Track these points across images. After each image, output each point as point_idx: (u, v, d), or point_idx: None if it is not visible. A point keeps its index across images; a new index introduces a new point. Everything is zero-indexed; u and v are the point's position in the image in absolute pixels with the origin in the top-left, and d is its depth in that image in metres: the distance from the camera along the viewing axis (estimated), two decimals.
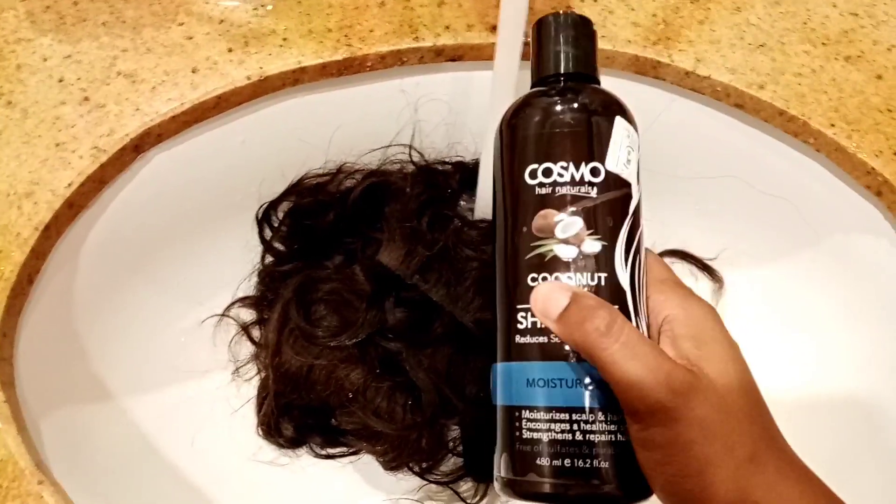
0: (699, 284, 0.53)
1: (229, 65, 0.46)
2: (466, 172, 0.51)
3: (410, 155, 0.51)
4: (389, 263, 0.46)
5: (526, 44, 0.46)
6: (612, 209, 0.30)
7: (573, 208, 0.30)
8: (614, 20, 0.48)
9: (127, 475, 0.44)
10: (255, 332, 0.50)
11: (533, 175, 0.31)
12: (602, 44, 0.47)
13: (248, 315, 0.51)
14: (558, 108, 0.32)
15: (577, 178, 0.30)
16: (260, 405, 0.48)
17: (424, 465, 0.46)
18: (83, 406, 0.44)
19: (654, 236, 0.53)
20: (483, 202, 0.49)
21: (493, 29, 0.47)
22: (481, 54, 0.47)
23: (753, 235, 0.52)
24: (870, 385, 0.48)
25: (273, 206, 0.50)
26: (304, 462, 0.48)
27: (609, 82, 0.50)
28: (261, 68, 0.45)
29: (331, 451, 0.48)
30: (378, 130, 0.50)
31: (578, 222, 0.30)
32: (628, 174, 0.31)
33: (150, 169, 0.45)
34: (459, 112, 0.51)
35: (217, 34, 0.47)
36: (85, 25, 0.47)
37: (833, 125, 0.46)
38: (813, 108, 0.46)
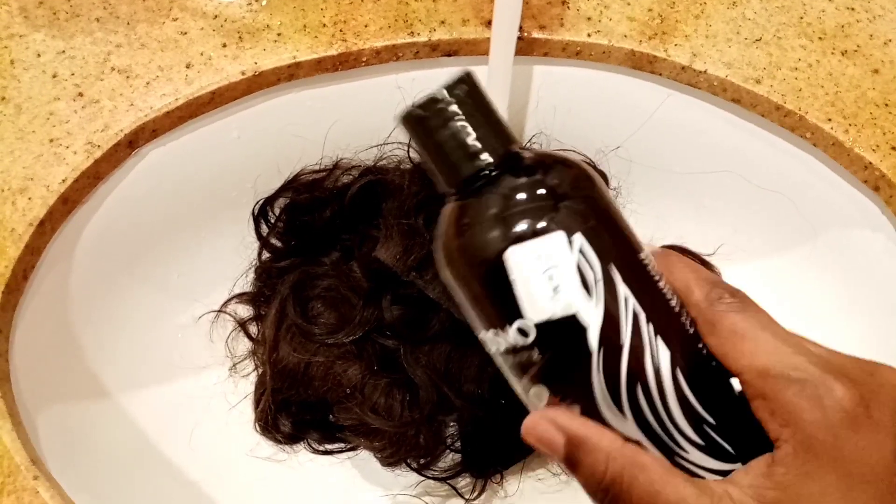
0: None
1: (224, 60, 0.45)
2: None
3: (408, 151, 0.51)
4: (386, 260, 0.46)
5: (520, 38, 0.46)
6: (567, 362, 0.25)
7: (526, 378, 0.26)
8: (610, 14, 0.48)
9: (123, 471, 0.44)
10: (253, 329, 0.50)
11: (485, 342, 0.27)
12: (598, 38, 0.47)
13: (245, 311, 0.50)
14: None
15: (511, 345, 0.25)
16: (257, 401, 0.48)
17: (422, 461, 0.46)
18: (79, 402, 0.44)
19: (651, 232, 0.54)
20: None
21: (489, 24, 0.47)
22: (477, 49, 0.47)
23: (751, 231, 0.52)
24: None
25: (269, 202, 0.50)
26: (301, 458, 0.48)
27: (605, 78, 0.50)
28: (255, 63, 0.45)
29: (328, 447, 0.48)
30: (374, 126, 0.50)
31: (543, 393, 0.25)
32: (564, 302, 0.24)
33: (145, 165, 0.45)
34: None
35: (211, 29, 0.47)
36: (79, 21, 0.47)
37: (830, 120, 0.46)
38: (810, 103, 0.46)
